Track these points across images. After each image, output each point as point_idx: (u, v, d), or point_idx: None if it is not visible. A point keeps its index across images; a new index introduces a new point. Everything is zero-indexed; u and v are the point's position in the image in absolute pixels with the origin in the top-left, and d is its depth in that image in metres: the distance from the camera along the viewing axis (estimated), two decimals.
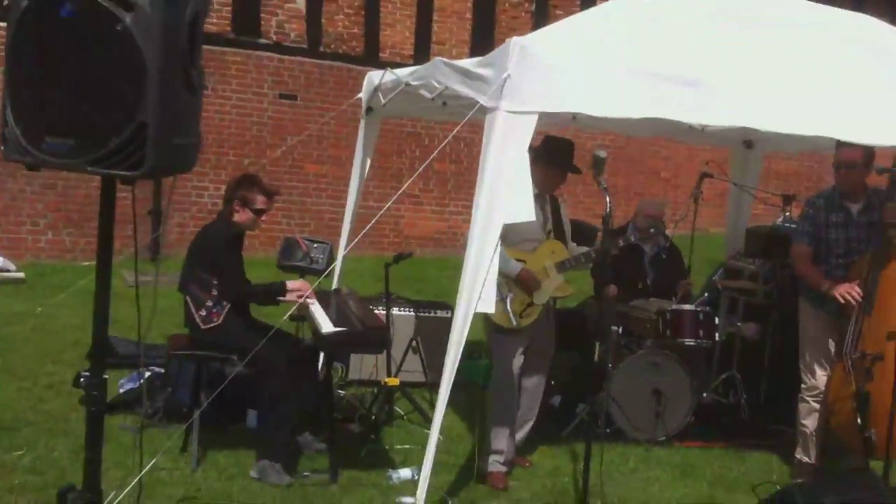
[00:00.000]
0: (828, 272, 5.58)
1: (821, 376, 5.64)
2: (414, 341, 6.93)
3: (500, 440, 5.39)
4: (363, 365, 6.99)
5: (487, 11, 13.94)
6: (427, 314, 7.24)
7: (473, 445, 5.56)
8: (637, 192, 14.09)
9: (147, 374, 6.23)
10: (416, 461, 5.32)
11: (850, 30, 5.45)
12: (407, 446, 5.82)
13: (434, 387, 6.48)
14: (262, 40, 12.77)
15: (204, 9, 2.95)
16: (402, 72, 6.13)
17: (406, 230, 13.52)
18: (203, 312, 5.37)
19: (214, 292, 5.37)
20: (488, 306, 4.54)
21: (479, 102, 4.69)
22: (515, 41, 4.59)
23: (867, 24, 5.62)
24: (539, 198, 4.64)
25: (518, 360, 5.43)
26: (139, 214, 11.49)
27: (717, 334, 6.76)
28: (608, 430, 6.04)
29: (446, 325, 6.94)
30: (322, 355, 5.99)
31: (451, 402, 4.56)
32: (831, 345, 5.60)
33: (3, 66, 2.82)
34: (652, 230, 6.40)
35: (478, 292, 4.48)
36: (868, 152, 5.43)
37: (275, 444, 5.23)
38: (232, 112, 12.53)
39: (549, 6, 14.14)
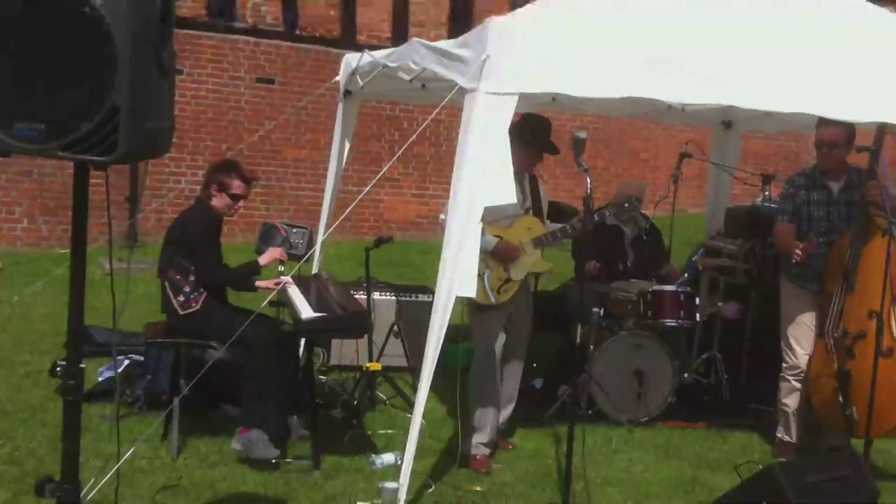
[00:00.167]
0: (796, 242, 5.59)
1: (801, 355, 5.65)
2: (395, 326, 6.90)
3: (483, 423, 5.37)
4: (344, 350, 6.97)
5: None
6: (408, 298, 7.22)
7: (456, 429, 5.53)
8: (617, 174, 14.11)
9: (125, 362, 6.18)
10: (398, 446, 5.30)
11: (828, 7, 5.43)
12: (389, 431, 5.80)
13: (416, 371, 6.47)
14: (238, 24, 12.66)
15: None
16: (380, 54, 6.08)
17: (386, 214, 13.47)
18: (181, 298, 5.33)
19: (192, 278, 5.33)
20: (469, 290, 4.51)
21: (457, 84, 4.64)
22: (493, 21, 4.55)
23: (846, 1, 5.60)
24: (517, 175, 4.60)
25: (500, 340, 5.41)
26: (116, 201, 11.49)
27: (697, 314, 6.77)
28: (590, 412, 6.04)
29: (427, 309, 6.87)
30: (302, 341, 5.94)
31: (433, 386, 4.54)
32: (813, 323, 5.62)
33: None
34: (626, 205, 6.39)
35: (459, 276, 4.45)
36: (849, 131, 5.44)
37: (263, 413, 5.16)
38: (209, 97, 12.42)
39: None
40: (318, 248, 6.55)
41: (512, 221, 5.47)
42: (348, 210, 5.12)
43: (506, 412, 5.64)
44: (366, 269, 6.48)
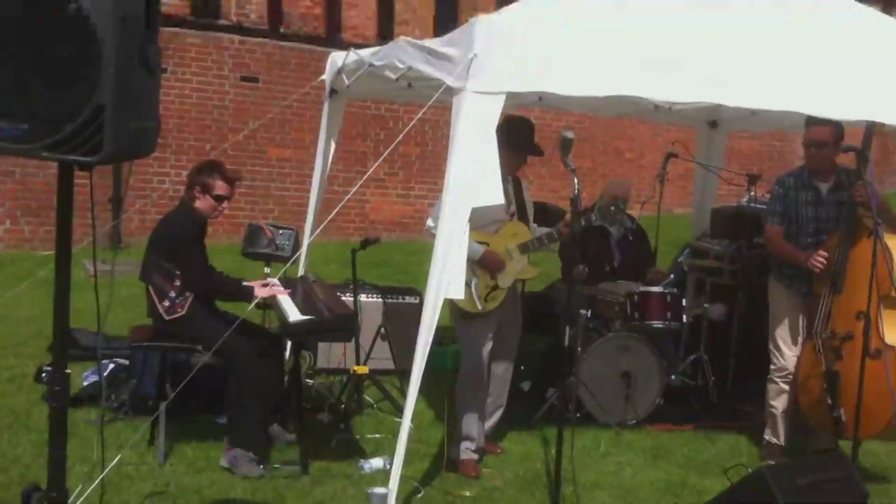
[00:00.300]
0: (798, 250, 5.57)
1: (790, 357, 5.65)
2: (382, 328, 6.85)
3: (471, 427, 5.33)
4: (331, 353, 6.91)
5: None
6: (395, 300, 7.18)
7: (444, 432, 5.50)
8: (602, 174, 14.11)
9: (110, 365, 6.10)
10: (387, 450, 5.25)
11: (817, 6, 5.43)
12: (377, 435, 5.76)
13: (403, 374, 6.44)
14: (222, 21, 12.58)
15: None
16: (366, 52, 6.04)
17: (372, 215, 13.42)
18: (166, 303, 5.26)
19: (177, 282, 5.27)
20: (458, 292, 4.47)
21: (444, 83, 4.61)
22: (480, 19, 4.53)
23: (835, 1, 5.60)
24: (502, 179, 4.57)
25: (487, 346, 5.37)
26: (99, 202, 11.38)
27: (684, 316, 6.75)
28: (578, 415, 6.01)
29: (415, 311, 6.93)
30: (289, 344, 5.89)
31: (421, 389, 4.49)
32: (801, 325, 5.61)
33: None
34: (612, 208, 6.37)
35: (447, 277, 4.41)
36: (838, 131, 5.43)
37: (246, 431, 5.14)
38: (192, 96, 12.34)
39: None
40: (304, 249, 6.50)
41: (498, 227, 5.43)
42: (334, 212, 5.07)
43: (495, 416, 5.61)
44: (352, 270, 6.43)
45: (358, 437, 5.71)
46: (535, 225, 5.73)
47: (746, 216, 7.53)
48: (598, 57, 4.59)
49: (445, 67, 4.67)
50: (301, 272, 6.63)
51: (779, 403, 5.74)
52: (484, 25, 4.46)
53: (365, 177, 5.70)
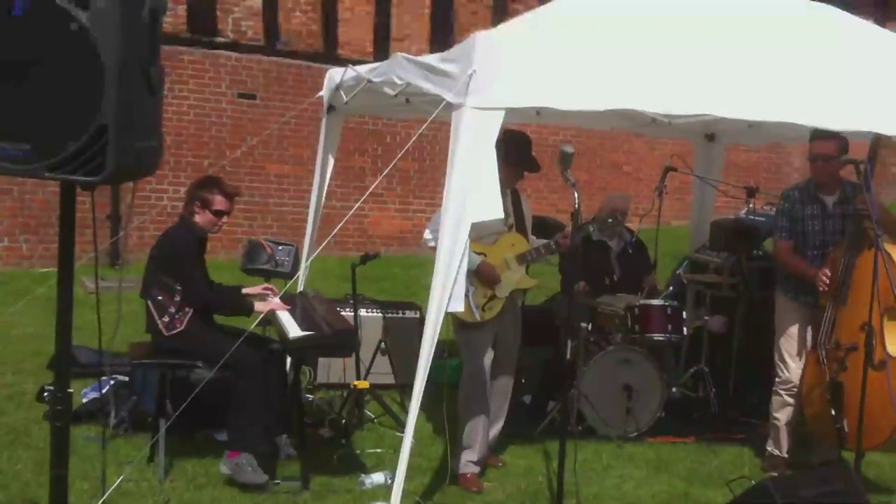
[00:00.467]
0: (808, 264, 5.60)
1: (794, 369, 5.64)
2: (382, 343, 6.84)
3: (472, 441, 5.32)
4: (331, 368, 6.90)
5: (445, 6, 13.87)
6: (394, 315, 7.17)
7: (445, 446, 5.49)
8: (600, 187, 14.10)
9: (111, 382, 6.09)
10: (388, 465, 5.25)
11: (809, 18, 5.45)
12: (378, 450, 5.75)
13: (404, 388, 6.43)
14: (219, 39, 12.60)
15: (162, 6, 2.86)
16: (363, 68, 6.05)
17: (370, 229, 13.41)
18: (166, 319, 5.27)
19: (177, 298, 5.27)
20: (459, 305, 4.47)
21: (443, 99, 4.62)
22: (480, 36, 4.54)
23: (826, 13, 5.62)
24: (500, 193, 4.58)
25: (487, 356, 5.37)
26: (98, 219, 11.29)
27: (684, 328, 6.75)
28: (580, 428, 6.01)
29: (414, 325, 6.94)
30: (289, 360, 5.88)
31: (421, 404, 4.48)
32: (806, 337, 5.61)
33: None
34: (609, 220, 6.38)
35: (448, 292, 4.42)
36: (843, 144, 5.43)
37: (252, 435, 5.11)
38: (190, 112, 12.34)
39: (507, 1, 14.09)
40: (303, 266, 6.49)
41: (496, 238, 5.44)
42: (336, 229, 5.07)
43: (495, 429, 5.60)
44: (352, 286, 6.43)
45: (359, 451, 5.70)
46: (533, 237, 5.74)
47: (745, 228, 7.53)
48: (597, 72, 4.59)
49: (444, 83, 4.69)
50: (301, 287, 6.63)
51: (782, 415, 5.73)
52: (483, 42, 4.48)
53: (367, 194, 5.71)
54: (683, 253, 8.24)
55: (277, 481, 5.13)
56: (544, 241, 5.60)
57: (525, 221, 5.67)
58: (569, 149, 4.78)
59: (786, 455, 5.77)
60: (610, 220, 6.37)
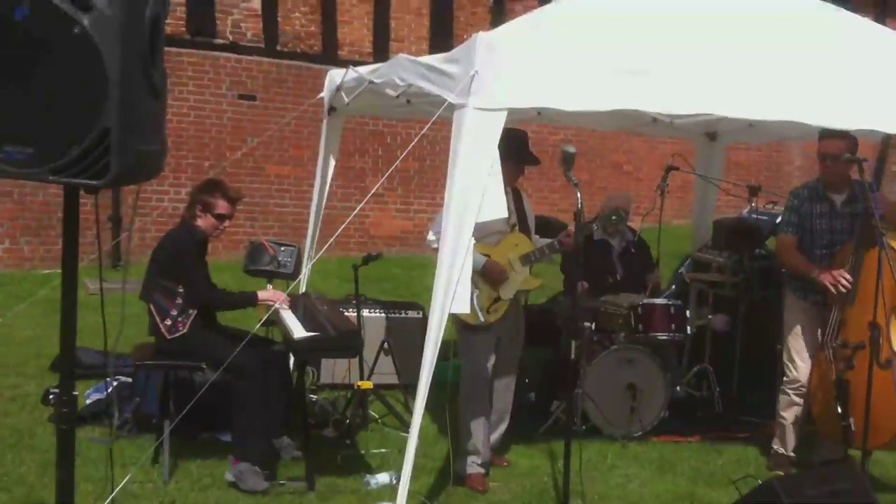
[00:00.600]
0: (812, 263, 5.59)
1: (802, 369, 5.63)
2: (385, 343, 6.84)
3: (477, 441, 5.32)
4: (335, 368, 6.90)
5: (445, 7, 13.86)
6: (398, 315, 7.17)
7: (449, 447, 5.48)
8: (600, 186, 14.10)
9: (114, 384, 6.09)
10: (392, 465, 5.25)
11: (810, 16, 5.45)
12: (383, 450, 5.74)
13: (407, 388, 6.43)
14: (219, 40, 12.58)
15: (164, 9, 2.85)
16: (364, 69, 6.04)
17: (371, 230, 13.40)
18: (168, 322, 5.26)
19: (179, 300, 5.27)
20: (463, 307, 4.46)
21: (445, 100, 4.62)
22: (481, 37, 4.53)
23: (827, 11, 5.62)
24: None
25: (490, 359, 5.37)
26: (99, 221, 11.29)
27: (687, 327, 6.74)
28: (584, 427, 6.00)
29: (417, 325, 6.93)
30: (293, 361, 5.88)
31: (425, 404, 4.48)
32: (815, 336, 5.60)
33: None
34: (613, 217, 6.37)
35: (452, 292, 4.41)
36: (852, 143, 5.41)
37: (252, 444, 5.12)
38: (190, 114, 12.33)
39: (506, 1, 14.08)
40: (306, 267, 6.49)
41: (499, 239, 5.43)
42: (339, 231, 5.06)
43: (500, 429, 5.60)
44: (355, 286, 6.43)
45: (363, 452, 5.70)
46: (536, 236, 5.73)
47: (747, 227, 7.54)
48: (598, 72, 4.58)
49: (446, 84, 4.68)
50: (303, 288, 6.63)
51: (789, 414, 5.72)
52: (485, 42, 4.47)
53: (369, 195, 5.71)
54: (685, 252, 8.24)
55: (283, 482, 5.13)
56: (547, 240, 5.59)
57: (528, 221, 5.67)
58: (571, 149, 4.77)
59: (791, 454, 5.77)
60: (614, 218, 6.37)
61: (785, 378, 5.76)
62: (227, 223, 5.58)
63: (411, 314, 7.19)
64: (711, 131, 7.66)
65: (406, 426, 5.20)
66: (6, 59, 2.62)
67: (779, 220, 6.11)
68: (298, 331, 5.08)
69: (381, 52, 12.90)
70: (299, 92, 12.46)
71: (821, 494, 4.32)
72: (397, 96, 5.44)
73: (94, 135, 2.60)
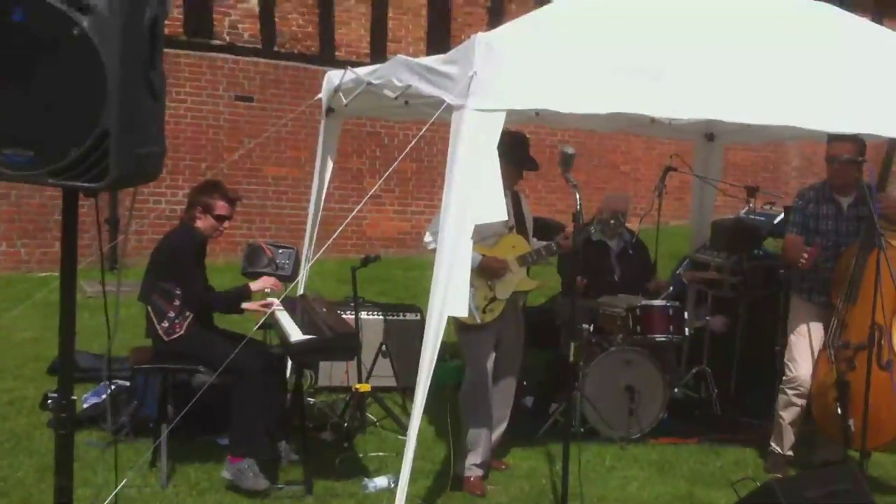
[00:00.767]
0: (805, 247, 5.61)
1: (803, 369, 5.63)
2: (384, 345, 6.82)
3: (476, 444, 5.31)
4: (333, 371, 6.88)
5: (442, 8, 13.85)
6: (395, 317, 7.15)
7: (448, 450, 5.47)
8: (598, 187, 14.09)
9: (111, 387, 6.07)
10: (391, 469, 5.23)
11: (809, 17, 5.44)
12: (381, 453, 5.72)
13: (405, 391, 6.42)
14: (216, 41, 12.56)
15: (163, 11, 2.83)
16: (363, 70, 6.03)
17: (369, 231, 13.39)
18: (165, 324, 5.25)
19: (177, 303, 5.25)
20: (461, 310, 4.44)
21: (443, 101, 4.60)
22: (481, 37, 4.50)
23: (826, 12, 5.61)
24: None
25: (489, 359, 5.35)
26: (99, 223, 11.23)
27: (686, 329, 6.73)
28: (582, 430, 5.99)
29: (415, 328, 6.91)
30: (291, 364, 5.86)
31: (424, 406, 4.47)
32: (818, 337, 5.60)
33: None
34: (612, 221, 6.37)
35: (450, 295, 4.39)
36: (860, 146, 5.41)
37: (253, 440, 5.09)
38: (187, 115, 12.31)
39: (503, 2, 14.08)
40: (304, 269, 6.48)
41: (496, 240, 5.42)
42: (337, 233, 5.05)
43: (498, 431, 5.59)
44: (353, 288, 6.42)
45: (361, 455, 5.68)
46: (534, 239, 5.72)
47: (746, 228, 7.53)
48: (597, 74, 4.57)
49: (445, 85, 4.66)
50: (301, 290, 6.61)
51: (787, 414, 5.72)
52: (484, 43, 4.45)
53: (367, 197, 5.70)
54: (683, 253, 8.23)
55: (281, 486, 5.11)
56: (545, 242, 5.58)
57: (526, 223, 5.66)
58: (569, 150, 4.76)
59: (788, 453, 5.76)
60: (612, 222, 6.36)
61: (784, 377, 5.75)
62: (226, 224, 5.58)
63: (409, 316, 7.18)
64: (709, 132, 7.66)
65: (404, 429, 5.19)
66: (5, 62, 2.60)
67: (777, 220, 6.13)
68: (296, 333, 5.06)
69: (378, 52, 12.89)
70: (297, 93, 12.45)
71: (820, 496, 4.32)
72: (396, 97, 5.41)
73: (93, 137, 2.58)
